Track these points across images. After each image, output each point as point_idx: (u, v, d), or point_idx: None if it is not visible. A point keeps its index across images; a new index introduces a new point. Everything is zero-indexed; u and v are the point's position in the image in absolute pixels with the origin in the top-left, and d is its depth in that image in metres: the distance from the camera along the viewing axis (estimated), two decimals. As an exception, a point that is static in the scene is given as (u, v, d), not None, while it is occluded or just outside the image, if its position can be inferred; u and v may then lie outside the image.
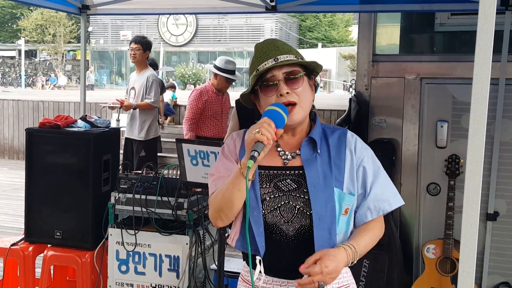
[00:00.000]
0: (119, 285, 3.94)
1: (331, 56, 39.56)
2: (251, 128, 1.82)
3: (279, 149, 2.01)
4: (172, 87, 13.04)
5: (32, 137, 4.14)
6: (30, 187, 4.18)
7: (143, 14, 5.57)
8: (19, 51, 43.92)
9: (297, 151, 1.99)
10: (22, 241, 4.25)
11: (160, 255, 3.83)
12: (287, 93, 1.91)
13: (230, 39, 38.77)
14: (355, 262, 1.93)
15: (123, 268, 3.92)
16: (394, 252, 4.61)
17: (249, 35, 39.44)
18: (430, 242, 4.47)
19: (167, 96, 11.68)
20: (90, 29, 43.32)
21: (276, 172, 1.98)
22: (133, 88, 6.48)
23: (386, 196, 1.99)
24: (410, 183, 4.86)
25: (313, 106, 2.09)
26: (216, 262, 3.90)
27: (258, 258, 1.94)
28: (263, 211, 1.94)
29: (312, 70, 2.01)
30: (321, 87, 34.32)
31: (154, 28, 38.60)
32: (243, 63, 34.64)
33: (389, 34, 5.58)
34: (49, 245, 4.17)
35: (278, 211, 1.94)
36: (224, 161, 2.03)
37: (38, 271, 4.19)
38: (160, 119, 10.65)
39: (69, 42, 45.18)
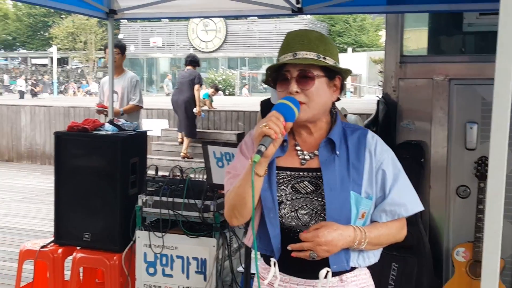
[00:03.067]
0: (147, 287, 3.96)
1: (361, 61, 39.26)
2: (260, 122, 1.79)
3: (297, 148, 1.98)
4: (215, 88, 13.15)
5: (60, 141, 4.20)
6: (59, 190, 4.24)
7: (169, 18, 5.63)
8: (51, 58, 44.75)
9: (315, 151, 1.96)
10: (52, 244, 4.30)
11: (188, 257, 3.85)
12: (296, 92, 1.87)
13: (260, 45, 38.79)
14: (362, 247, 1.89)
15: (151, 270, 3.95)
16: (423, 256, 4.54)
17: (278, 40, 39.28)
18: (460, 245, 4.40)
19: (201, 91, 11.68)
20: (120, 36, 43.82)
21: (293, 173, 1.95)
22: (114, 92, 6.27)
23: (404, 200, 1.94)
24: (439, 185, 4.79)
25: (334, 107, 2.04)
26: (243, 265, 3.91)
27: (273, 260, 1.93)
28: (280, 213, 1.92)
29: (336, 72, 1.96)
30: (351, 92, 34.07)
31: (184, 35, 38.87)
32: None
33: (416, 35, 5.53)
34: (78, 248, 4.21)
35: (296, 214, 1.92)
36: (240, 158, 2.01)
37: (67, 273, 4.24)
38: (196, 110, 10.65)
39: (100, 49, 45.80)
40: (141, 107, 6.48)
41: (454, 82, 4.74)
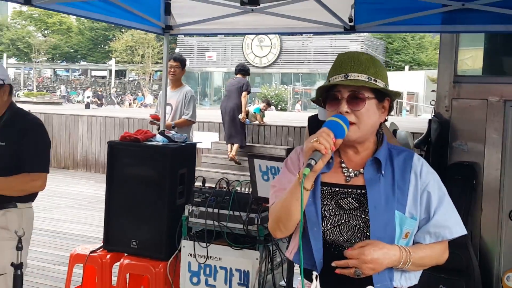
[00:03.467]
0: (190, 296, 4.01)
1: (418, 79, 38.66)
2: (310, 138, 1.84)
3: (343, 165, 2.02)
4: (266, 103, 13.23)
5: (113, 150, 4.33)
6: (110, 197, 4.35)
7: (223, 34, 5.71)
8: (110, 71, 46.01)
9: (361, 169, 1.99)
10: (101, 249, 4.42)
11: (231, 268, 3.88)
12: (347, 112, 1.92)
13: (314, 61, 38.80)
14: (406, 268, 1.91)
15: (195, 280, 4.00)
16: (472, 279, 4.44)
17: (333, 57, 38.74)
18: (510, 270, 4.28)
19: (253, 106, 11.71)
20: (177, 50, 44.66)
21: (338, 189, 1.98)
22: (168, 104, 6.36)
23: (448, 223, 1.96)
24: (491, 208, 4.69)
25: (381, 128, 2.06)
26: (285, 279, 3.91)
27: (314, 273, 1.95)
28: (323, 228, 1.95)
29: (385, 94, 1.99)
30: (407, 111, 33.56)
31: (239, 50, 39.31)
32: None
33: (472, 55, 5.45)
34: (125, 254, 4.31)
35: (338, 229, 1.95)
36: (286, 173, 2.06)
37: (114, 279, 4.34)
38: (241, 116, 10.72)
39: (157, 63, 46.79)
40: (193, 122, 6.53)
41: (509, 104, 4.65)
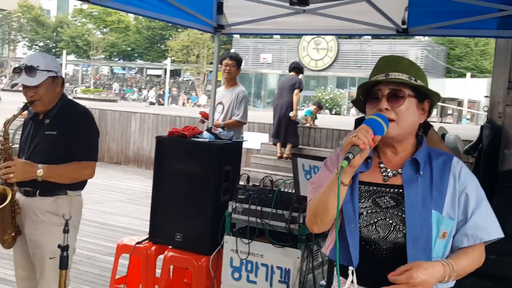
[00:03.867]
0: (231, 291, 4.06)
1: (481, 87, 37.74)
2: (349, 134, 1.89)
3: (381, 165, 2.05)
4: (317, 105, 13.16)
5: (161, 144, 4.43)
6: (156, 190, 4.46)
7: (274, 34, 5.75)
8: (165, 70, 46.74)
9: (399, 169, 2.02)
10: (146, 241, 4.53)
11: (272, 266, 3.91)
12: (386, 109, 1.95)
13: (372, 65, 38.17)
14: (452, 280, 1.91)
15: (236, 275, 4.05)
16: (518, 290, 4.33)
17: (392, 62, 38.56)
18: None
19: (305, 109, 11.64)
20: (232, 51, 44.94)
21: (376, 188, 2.02)
22: (220, 103, 6.35)
23: (486, 225, 1.96)
24: (542, 218, 4.55)
25: (421, 129, 2.07)
26: (325, 279, 3.92)
27: (350, 268, 1.99)
28: (360, 225, 1.99)
29: (426, 94, 2.02)
30: (467, 119, 32.82)
31: (294, 52, 39.04)
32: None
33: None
34: (170, 247, 4.40)
35: (374, 226, 1.98)
36: (325, 172, 2.11)
37: (158, 272, 4.44)
38: (292, 113, 10.63)
39: (211, 63, 47.17)
40: (243, 123, 6.44)
41: None
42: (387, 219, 1.97)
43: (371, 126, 1.88)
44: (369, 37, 37.73)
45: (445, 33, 5.12)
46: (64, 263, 2.66)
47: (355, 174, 1.98)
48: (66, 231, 2.63)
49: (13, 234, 3.29)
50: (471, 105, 35.02)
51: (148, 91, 44.46)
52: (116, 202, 9.17)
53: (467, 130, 17.18)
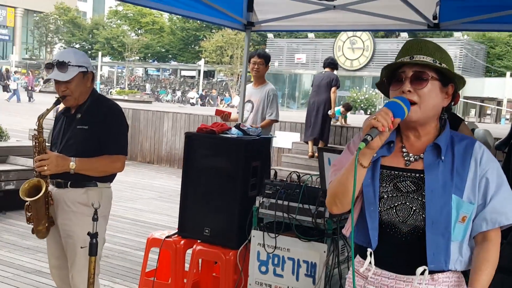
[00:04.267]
0: (258, 284, 4.11)
1: (521, 87, 36.95)
2: (369, 116, 1.91)
3: (403, 150, 2.06)
4: (345, 107, 13.06)
5: (189, 140, 4.50)
6: (186, 186, 4.54)
7: (303, 31, 5.79)
8: (199, 71, 47.16)
9: (421, 154, 2.03)
10: (176, 235, 4.60)
11: (298, 260, 3.94)
12: (409, 91, 1.96)
13: (409, 65, 37.83)
14: None
15: (263, 269, 4.09)
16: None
17: (430, 61, 37.97)
18: None
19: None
20: (266, 51, 45.00)
21: (397, 173, 2.03)
22: (249, 101, 6.29)
23: (505, 209, 1.96)
24: None
25: (444, 113, 2.07)
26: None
27: (369, 250, 2.02)
28: (380, 208, 2.01)
29: (450, 78, 2.02)
30: (507, 119, 32.26)
31: (329, 52, 38.53)
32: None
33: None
34: (198, 241, 4.47)
35: (394, 210, 2.00)
36: (347, 154, 2.12)
37: (187, 267, 4.51)
38: (331, 112, 10.49)
39: (245, 64, 47.35)
40: (277, 121, 6.41)
41: None
42: (407, 203, 1.99)
43: (392, 109, 1.88)
44: (406, 35, 37.31)
45: (477, 27, 5.07)
46: (93, 250, 2.76)
47: (377, 158, 2.01)
48: (95, 219, 2.73)
49: (46, 225, 3.40)
50: (510, 105, 34.38)
51: (181, 92, 44.87)
52: (148, 200, 9.31)
53: (506, 129, 16.83)
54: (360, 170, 1.90)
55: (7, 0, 61.66)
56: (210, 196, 4.40)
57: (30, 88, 34.66)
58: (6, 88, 34.62)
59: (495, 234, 1.98)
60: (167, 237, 4.58)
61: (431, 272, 1.96)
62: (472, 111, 37.09)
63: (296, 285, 3.94)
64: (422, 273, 1.94)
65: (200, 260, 4.69)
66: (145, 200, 9.29)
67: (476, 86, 36.70)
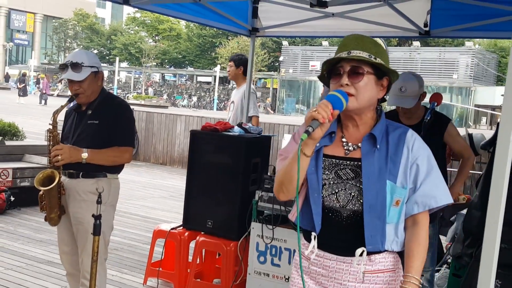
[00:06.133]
0: (257, 273, 4.38)
1: (532, 96, 36.84)
2: (311, 109, 2.05)
3: (343, 139, 2.23)
4: None
5: (194, 137, 4.79)
6: (190, 181, 4.83)
7: (303, 37, 6.04)
8: (215, 77, 47.49)
9: (359, 143, 2.20)
10: (181, 227, 4.89)
11: (294, 250, 4.19)
12: (347, 84, 2.12)
13: (421, 73, 37.36)
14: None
15: (262, 259, 4.36)
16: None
17: (441, 70, 38.17)
18: None
19: None
20: (281, 58, 45.34)
21: (337, 161, 2.20)
22: (233, 102, 6.46)
23: (435, 193, 2.14)
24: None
25: (380, 104, 2.26)
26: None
27: (313, 234, 2.19)
28: (322, 194, 2.19)
29: (384, 73, 2.19)
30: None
31: (344, 60, 38.91)
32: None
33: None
34: (201, 233, 4.75)
35: (335, 196, 2.18)
36: (292, 144, 2.27)
37: (190, 258, 4.78)
38: None
39: (260, 70, 47.70)
40: (257, 117, 6.28)
41: None
42: (347, 190, 2.16)
43: (331, 101, 2.03)
44: (418, 44, 37.31)
45: (465, 35, 5.30)
46: (97, 230, 3.04)
47: (320, 147, 2.16)
48: (99, 202, 3.00)
49: (58, 213, 3.68)
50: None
51: (197, 98, 45.27)
52: (159, 199, 9.60)
53: None
54: (303, 159, 2.03)
55: (27, 6, 62.79)
56: (213, 190, 4.68)
57: (44, 92, 35.20)
58: (25, 92, 35.14)
59: (424, 217, 2.17)
60: (172, 228, 4.87)
61: (369, 254, 2.12)
62: (483, 119, 37.05)
63: (291, 273, 4.19)
64: (361, 254, 2.12)
65: (203, 252, 4.97)
66: (156, 198, 9.58)
67: (487, 95, 36.61)
